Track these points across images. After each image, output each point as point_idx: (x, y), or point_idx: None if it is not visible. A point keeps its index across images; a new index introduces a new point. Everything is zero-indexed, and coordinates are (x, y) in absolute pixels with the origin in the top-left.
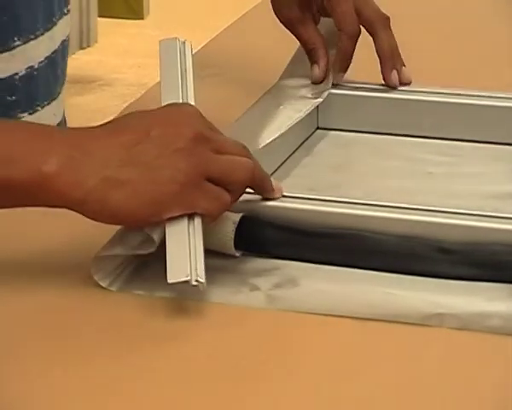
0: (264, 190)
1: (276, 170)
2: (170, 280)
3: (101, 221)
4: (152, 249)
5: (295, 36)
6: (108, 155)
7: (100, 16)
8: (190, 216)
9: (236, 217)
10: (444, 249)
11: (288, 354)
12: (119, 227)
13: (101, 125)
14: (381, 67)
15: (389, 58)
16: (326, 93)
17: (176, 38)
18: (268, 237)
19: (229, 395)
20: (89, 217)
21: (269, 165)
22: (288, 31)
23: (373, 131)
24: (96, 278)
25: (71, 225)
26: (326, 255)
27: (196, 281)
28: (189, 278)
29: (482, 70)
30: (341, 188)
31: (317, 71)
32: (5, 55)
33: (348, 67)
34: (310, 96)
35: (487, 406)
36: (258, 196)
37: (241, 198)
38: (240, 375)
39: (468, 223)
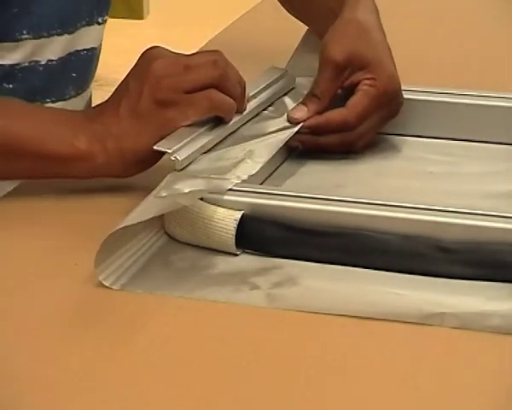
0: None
1: (277, 168)
2: (155, 147)
3: (127, 175)
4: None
5: (318, 73)
6: (111, 117)
7: None
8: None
9: (237, 215)
10: (444, 248)
11: (288, 353)
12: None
13: (105, 101)
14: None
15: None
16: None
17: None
18: (269, 236)
19: (228, 394)
20: (116, 176)
21: (269, 164)
22: (288, 31)
23: None
24: (100, 278)
25: (73, 225)
26: (326, 254)
27: (175, 158)
28: (170, 151)
29: (482, 70)
30: (342, 187)
31: (301, 114)
32: (10, 44)
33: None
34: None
35: (487, 406)
36: (258, 194)
37: (242, 196)
38: (240, 374)
39: (468, 222)
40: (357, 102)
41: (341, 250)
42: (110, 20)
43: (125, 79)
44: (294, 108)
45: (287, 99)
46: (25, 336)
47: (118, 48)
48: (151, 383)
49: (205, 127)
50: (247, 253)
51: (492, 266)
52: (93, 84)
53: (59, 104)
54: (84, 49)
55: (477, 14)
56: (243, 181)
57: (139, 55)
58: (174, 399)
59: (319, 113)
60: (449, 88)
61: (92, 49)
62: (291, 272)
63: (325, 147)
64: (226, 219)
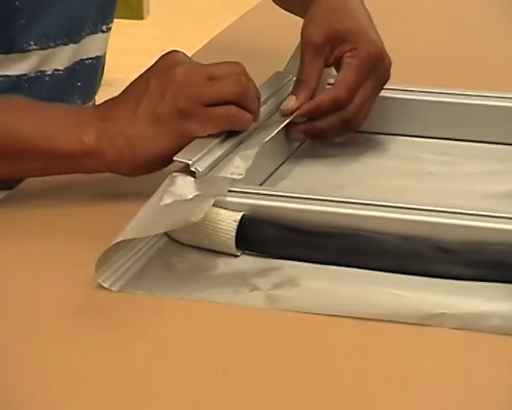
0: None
1: (277, 169)
2: (175, 158)
3: (136, 174)
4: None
5: (300, 59)
6: (127, 116)
7: None
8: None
9: (237, 216)
10: (444, 249)
11: (288, 354)
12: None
13: (113, 98)
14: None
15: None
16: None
17: None
18: (269, 237)
19: (228, 395)
20: (125, 174)
21: (269, 165)
22: (288, 31)
23: (373, 131)
24: (99, 280)
25: (73, 226)
26: (326, 255)
27: (195, 168)
28: (190, 162)
29: (482, 70)
30: (341, 188)
31: (291, 103)
32: (17, 55)
33: (311, 128)
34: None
35: (487, 406)
36: (258, 195)
37: (242, 197)
38: (240, 375)
39: (467, 223)
40: (343, 76)
41: (341, 251)
42: None
43: (141, 78)
44: (285, 100)
45: None
46: (25, 336)
47: (117, 48)
48: (151, 383)
49: (220, 137)
50: (247, 254)
51: (492, 266)
52: None
53: None
54: (89, 58)
55: (477, 14)
56: (243, 181)
57: (158, 57)
58: (174, 399)
59: (310, 98)
60: (447, 88)
61: (97, 57)
62: (291, 273)
63: (325, 131)
64: (226, 221)
